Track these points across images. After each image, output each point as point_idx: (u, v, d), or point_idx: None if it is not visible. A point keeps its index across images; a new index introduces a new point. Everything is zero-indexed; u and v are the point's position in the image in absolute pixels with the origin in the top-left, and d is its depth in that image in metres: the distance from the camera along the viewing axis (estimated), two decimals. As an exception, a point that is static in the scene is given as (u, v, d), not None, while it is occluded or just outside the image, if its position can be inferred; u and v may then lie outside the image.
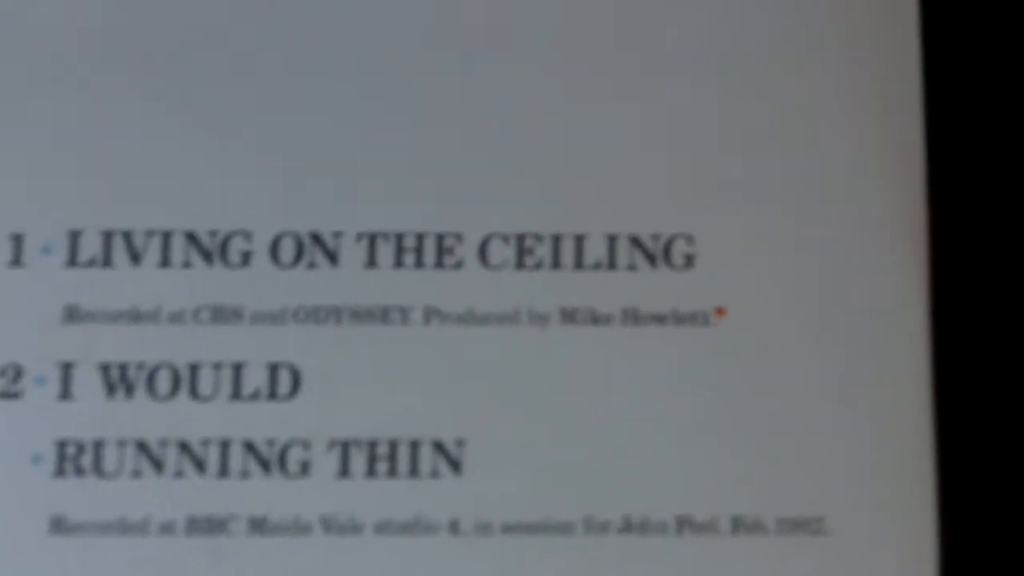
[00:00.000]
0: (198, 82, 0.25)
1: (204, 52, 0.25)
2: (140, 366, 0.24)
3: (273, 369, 0.24)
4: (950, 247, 0.26)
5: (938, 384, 0.25)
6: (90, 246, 0.25)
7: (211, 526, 0.24)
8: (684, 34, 0.26)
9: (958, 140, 0.27)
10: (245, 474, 0.24)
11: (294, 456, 0.24)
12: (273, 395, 0.24)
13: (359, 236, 0.25)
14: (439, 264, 0.25)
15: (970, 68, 0.28)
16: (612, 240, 0.25)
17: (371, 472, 0.24)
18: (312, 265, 0.25)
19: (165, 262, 0.25)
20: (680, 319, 0.25)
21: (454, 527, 0.24)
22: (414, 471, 0.24)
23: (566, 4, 0.26)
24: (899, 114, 0.26)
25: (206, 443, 0.24)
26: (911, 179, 0.25)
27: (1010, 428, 0.26)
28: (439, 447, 0.24)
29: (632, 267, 0.25)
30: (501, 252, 0.25)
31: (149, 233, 0.25)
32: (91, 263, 0.25)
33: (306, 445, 0.24)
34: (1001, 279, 0.27)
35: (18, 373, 0.24)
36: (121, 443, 0.24)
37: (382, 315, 0.25)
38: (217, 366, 0.24)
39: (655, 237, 0.25)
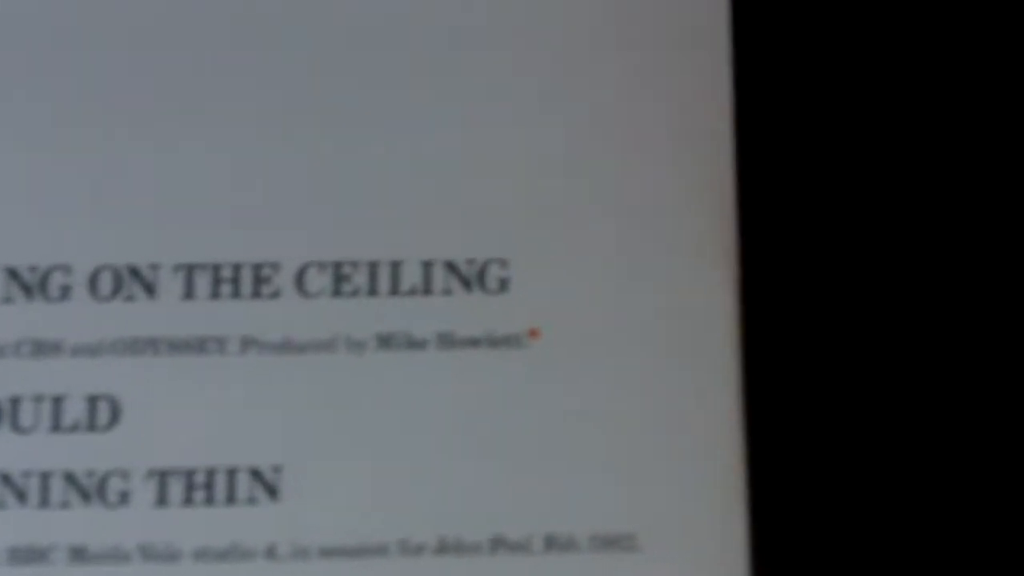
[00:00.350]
0: (13, 117, 0.26)
1: (15, 84, 0.26)
2: (-37, 401, 0.25)
3: (92, 401, 0.25)
4: (761, 268, 0.26)
5: (749, 401, 0.25)
6: (-87, 283, 0.25)
7: (32, 556, 0.24)
8: (494, 58, 0.26)
9: (769, 161, 0.27)
10: (65, 504, 0.24)
11: (113, 486, 0.25)
12: (92, 427, 0.25)
13: (176, 268, 0.25)
14: (256, 294, 0.25)
15: (781, 92, 0.28)
16: (428, 266, 0.25)
17: (188, 500, 0.24)
18: (130, 298, 0.25)
19: (-14, 297, 0.25)
20: (494, 342, 0.25)
21: (271, 552, 0.24)
22: (231, 498, 0.25)
23: (374, 31, 0.26)
24: (711, 135, 0.26)
25: (27, 475, 0.25)
26: (722, 200, 0.26)
27: (820, 443, 0.27)
28: (256, 474, 0.25)
29: (447, 292, 0.25)
30: (318, 280, 0.25)
31: (-29, 269, 0.25)
32: (-86, 300, 0.25)
33: (125, 475, 0.25)
34: (811, 297, 0.27)
35: None
36: (-55, 477, 0.24)
37: (199, 345, 0.25)
38: (38, 399, 0.25)
39: (470, 262, 0.26)
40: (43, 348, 0.25)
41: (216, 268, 0.25)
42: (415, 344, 0.25)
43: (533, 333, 0.25)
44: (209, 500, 0.24)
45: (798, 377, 0.27)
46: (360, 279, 0.25)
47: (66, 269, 0.25)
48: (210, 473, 0.25)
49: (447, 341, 0.25)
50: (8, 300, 0.25)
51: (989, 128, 0.29)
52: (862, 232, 0.28)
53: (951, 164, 0.29)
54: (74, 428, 0.25)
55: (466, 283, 0.25)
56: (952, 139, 0.29)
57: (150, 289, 0.25)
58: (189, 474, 0.25)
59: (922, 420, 0.27)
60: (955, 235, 0.29)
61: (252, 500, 0.25)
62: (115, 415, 0.25)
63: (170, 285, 0.25)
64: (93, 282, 0.25)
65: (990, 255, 0.28)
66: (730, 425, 0.25)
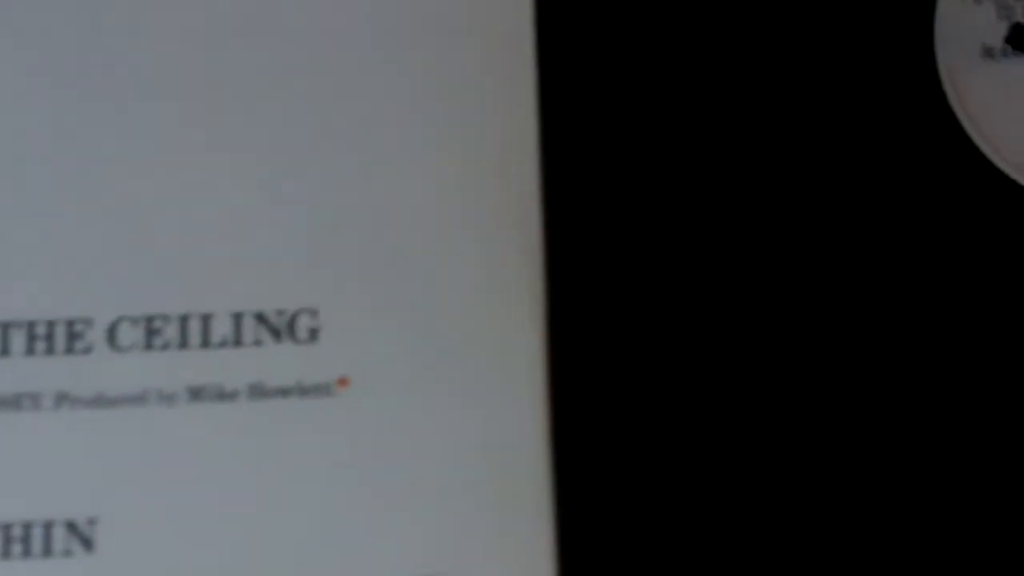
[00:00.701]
0: None
1: None
2: None
3: (-89, 459, 0.25)
4: (569, 310, 0.27)
5: (557, 440, 0.26)
6: None
7: None
8: (295, 108, 0.27)
9: (577, 201, 0.28)
10: None
11: (-67, 542, 0.25)
12: (-89, 484, 0.25)
13: (-8, 326, 0.26)
14: (69, 350, 0.26)
15: (589, 138, 0.29)
16: (238, 318, 0.26)
17: (6, 554, 0.25)
18: (-53, 356, 0.26)
19: None
20: (304, 391, 0.26)
21: (86, 603, 0.25)
22: (48, 551, 0.25)
23: (173, 81, 0.27)
24: (517, 179, 0.27)
25: None
26: (529, 240, 0.27)
27: (629, 477, 0.28)
28: (72, 527, 0.25)
29: (258, 343, 0.26)
30: (129, 335, 0.26)
31: None
32: None
33: (-56, 531, 0.25)
34: (618, 334, 0.28)
35: None
36: None
37: (15, 401, 0.26)
38: None
39: (280, 312, 0.26)
40: None
41: (31, 325, 0.26)
42: (226, 396, 0.26)
43: (342, 382, 0.26)
44: (26, 553, 0.25)
45: (605, 413, 0.28)
46: (171, 332, 0.26)
47: None
48: (27, 527, 0.25)
49: (258, 392, 0.26)
50: None
51: (796, 143, 0.30)
52: (671, 266, 0.29)
53: (759, 178, 0.29)
54: None
55: (276, 334, 0.26)
56: (758, 151, 0.30)
57: (-34, 348, 0.26)
58: (6, 528, 0.25)
59: (728, 453, 0.28)
60: (760, 252, 0.29)
61: (68, 552, 0.25)
62: (-67, 472, 0.25)
63: (-15, 343, 0.26)
64: (-90, 342, 0.26)
65: (798, 287, 0.29)
66: (538, 464, 0.26)
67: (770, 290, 0.29)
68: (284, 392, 0.26)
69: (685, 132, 0.30)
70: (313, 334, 0.26)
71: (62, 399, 0.26)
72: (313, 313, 0.26)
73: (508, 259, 0.26)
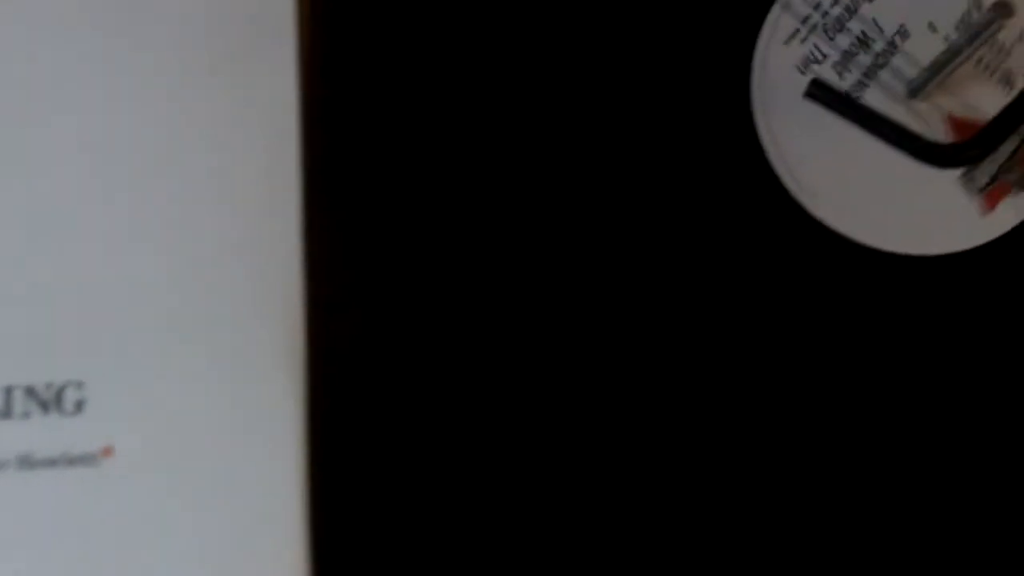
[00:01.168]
0: None
1: None
2: None
3: None
4: (330, 381, 0.28)
5: (315, 518, 0.27)
6: None
7: None
8: (76, 182, 0.28)
9: (340, 280, 0.29)
10: None
11: None
12: None
13: None
14: None
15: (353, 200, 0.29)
16: (8, 392, 0.28)
17: None
18: None
19: None
20: (71, 461, 0.27)
21: None
22: None
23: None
24: (277, 240, 0.28)
25: None
26: (290, 307, 0.28)
27: (392, 550, 0.29)
28: None
29: (26, 415, 0.28)
30: (-95, 411, 0.28)
31: None
32: None
33: None
34: (378, 393, 0.29)
35: None
36: None
37: None
38: None
39: (48, 386, 0.28)
40: None
41: None
42: (-3, 466, 0.27)
43: (106, 451, 0.27)
44: None
45: (366, 487, 0.29)
46: (-53, 407, 0.28)
47: None
48: None
49: (26, 462, 0.27)
50: None
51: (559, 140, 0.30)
52: (444, 324, 0.30)
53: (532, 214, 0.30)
54: None
55: (44, 406, 0.28)
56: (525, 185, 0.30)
57: None
58: None
59: (492, 519, 0.29)
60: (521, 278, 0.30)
61: None
62: None
63: None
64: None
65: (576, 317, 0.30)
66: (295, 539, 0.27)
67: (552, 311, 0.30)
68: (51, 462, 0.27)
69: (478, 144, 0.30)
70: (79, 406, 0.28)
71: None
72: (79, 385, 0.28)
73: (268, 328, 0.28)
